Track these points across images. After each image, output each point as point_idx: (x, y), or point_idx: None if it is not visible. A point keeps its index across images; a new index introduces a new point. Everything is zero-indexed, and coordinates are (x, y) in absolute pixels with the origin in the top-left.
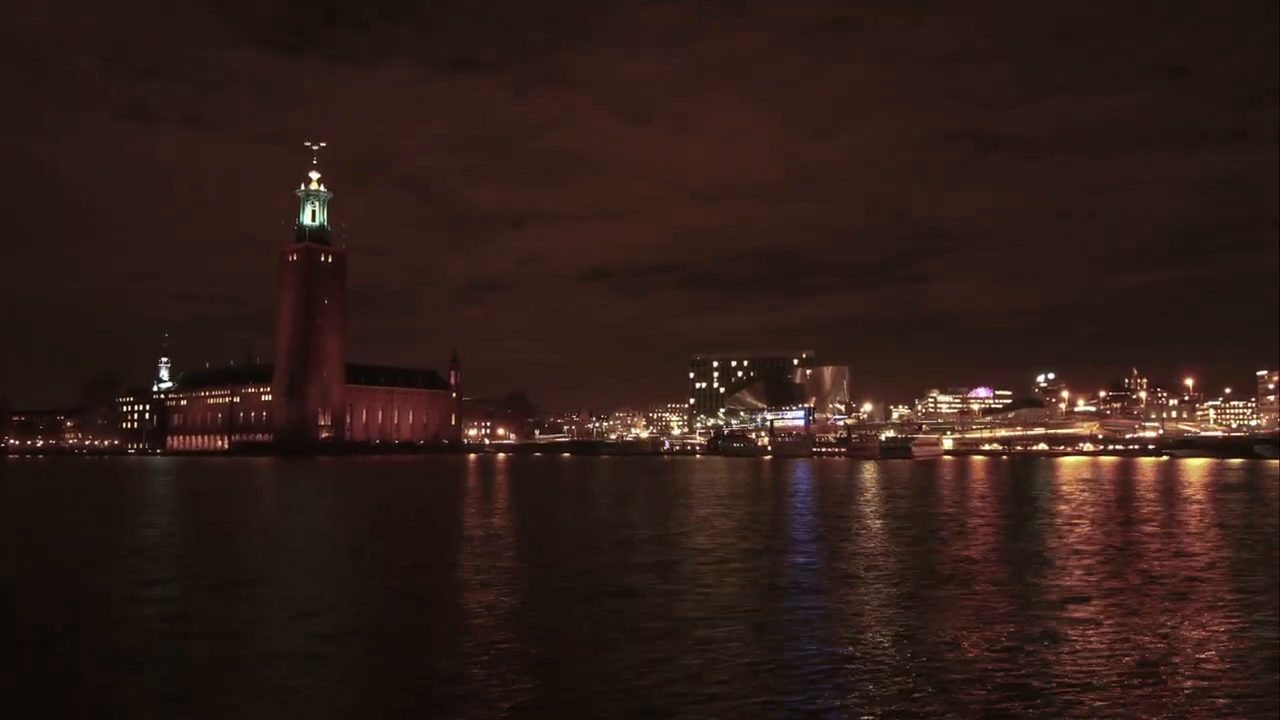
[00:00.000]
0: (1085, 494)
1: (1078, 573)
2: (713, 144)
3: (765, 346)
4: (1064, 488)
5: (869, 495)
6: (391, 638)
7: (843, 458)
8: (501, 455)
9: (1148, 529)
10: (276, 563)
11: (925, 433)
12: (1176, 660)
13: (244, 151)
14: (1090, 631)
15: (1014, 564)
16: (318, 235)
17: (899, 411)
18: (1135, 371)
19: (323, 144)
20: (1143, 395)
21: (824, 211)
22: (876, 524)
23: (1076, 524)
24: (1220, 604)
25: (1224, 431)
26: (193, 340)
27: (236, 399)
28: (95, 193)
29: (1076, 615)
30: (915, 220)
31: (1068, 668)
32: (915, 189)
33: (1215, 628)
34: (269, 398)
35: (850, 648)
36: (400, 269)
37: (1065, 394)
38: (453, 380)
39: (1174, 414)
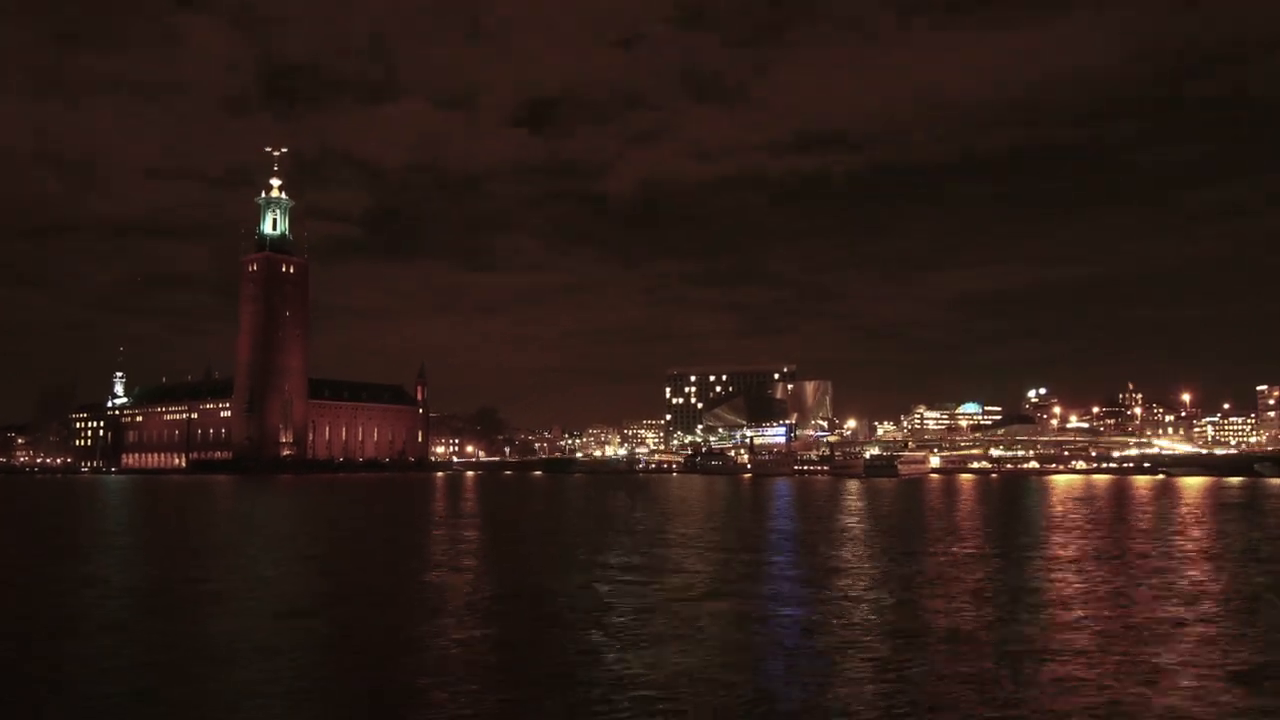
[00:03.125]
0: (1080, 518)
1: (1071, 613)
2: None
3: (747, 360)
4: (1057, 510)
5: (853, 520)
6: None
7: (825, 476)
8: (470, 474)
9: (1147, 558)
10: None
11: (911, 450)
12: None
13: None
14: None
15: (1003, 603)
16: (279, 245)
17: (884, 428)
18: (1130, 386)
19: (284, 149)
20: (1138, 411)
21: None
22: (860, 562)
23: (1070, 553)
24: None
25: (1216, 448)
26: (149, 350)
27: (194, 415)
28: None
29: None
30: None
31: None
32: None
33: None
34: (228, 414)
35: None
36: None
37: (1057, 410)
38: (420, 395)
39: (1171, 430)
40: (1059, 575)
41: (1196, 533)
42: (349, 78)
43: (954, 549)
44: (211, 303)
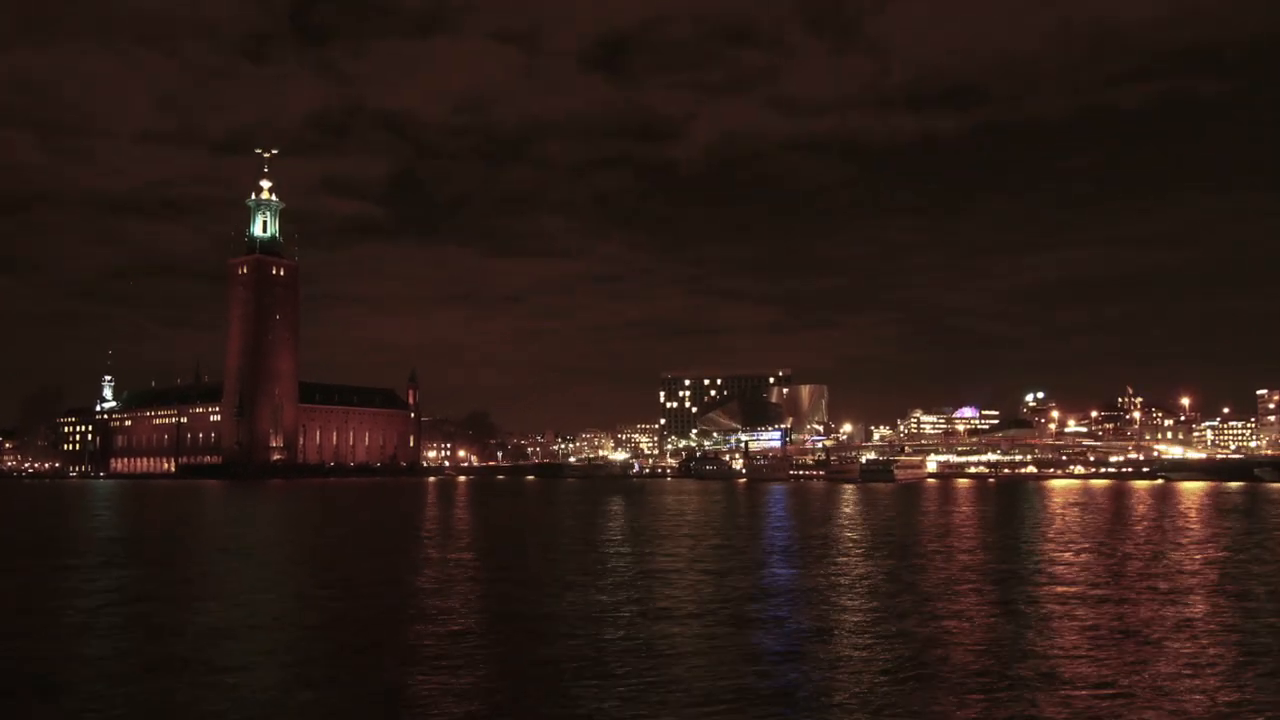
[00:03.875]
0: (1078, 526)
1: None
2: None
3: (743, 364)
4: (1055, 518)
5: (852, 532)
6: None
7: (821, 481)
8: (462, 478)
9: (1147, 566)
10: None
11: (908, 454)
12: None
13: None
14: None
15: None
16: (269, 247)
17: (880, 432)
18: (1129, 390)
19: (274, 151)
20: (1137, 415)
21: None
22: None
23: (1069, 565)
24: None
25: (1222, 453)
26: (141, 346)
27: (184, 419)
28: None
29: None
30: None
31: None
32: None
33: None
34: (218, 418)
35: None
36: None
37: (1055, 414)
38: (411, 399)
39: (1170, 435)
40: (1058, 590)
41: (1198, 542)
42: (393, 8)
43: (964, 561)
44: (209, 289)
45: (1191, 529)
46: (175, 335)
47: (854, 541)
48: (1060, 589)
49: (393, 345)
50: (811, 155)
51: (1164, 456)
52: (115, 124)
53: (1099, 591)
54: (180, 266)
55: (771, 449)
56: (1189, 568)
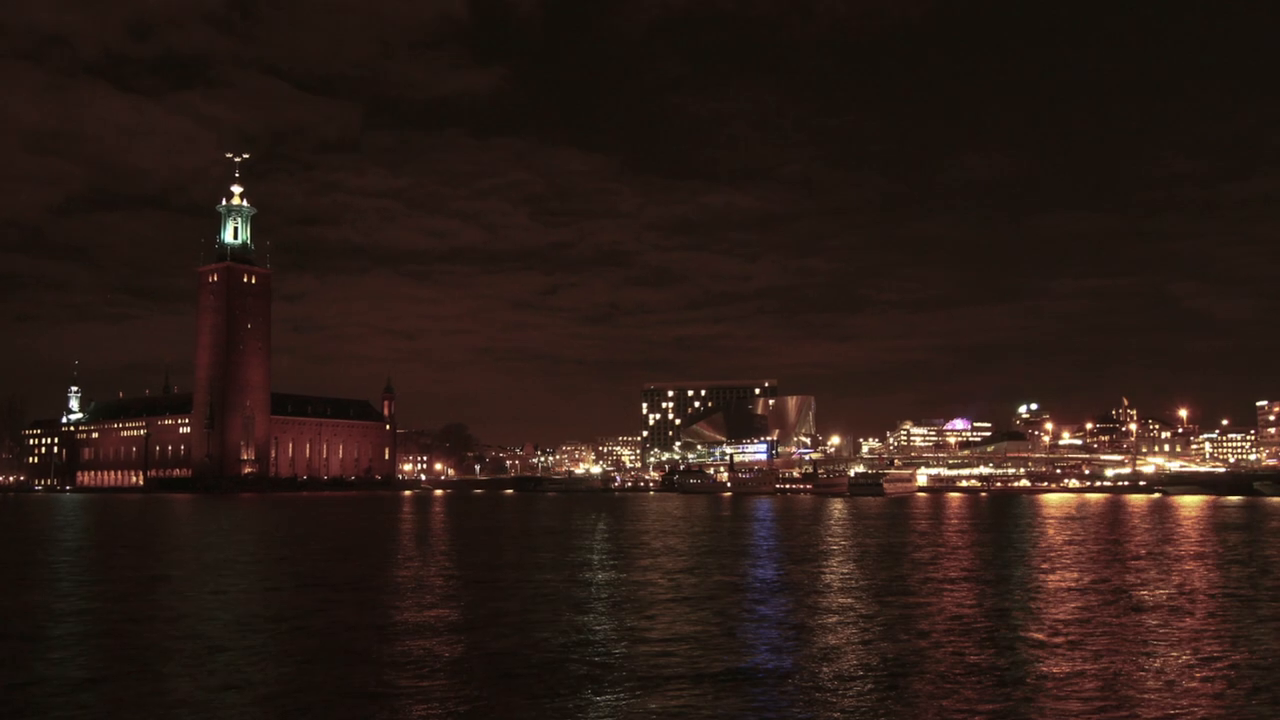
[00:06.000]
0: (1074, 542)
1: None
2: None
3: (729, 375)
4: (1051, 533)
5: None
6: None
7: (808, 494)
8: (439, 492)
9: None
10: None
11: (898, 468)
12: None
13: None
14: None
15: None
16: (240, 254)
17: (869, 444)
18: (1125, 402)
19: (245, 155)
20: (1133, 428)
21: None
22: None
23: (1070, 584)
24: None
25: (1223, 466)
26: (106, 365)
27: (152, 431)
28: None
29: None
30: None
31: None
32: None
33: None
34: (187, 430)
35: None
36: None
37: (1049, 426)
38: (387, 411)
39: (1167, 447)
40: (1049, 609)
41: (1199, 560)
42: None
43: (954, 580)
44: (196, 236)
45: (1190, 548)
46: (150, 317)
47: (844, 557)
48: (1049, 615)
49: (401, 330)
50: None
51: (1161, 470)
52: None
53: (1091, 625)
54: (168, 195)
55: (757, 461)
56: (1189, 591)
